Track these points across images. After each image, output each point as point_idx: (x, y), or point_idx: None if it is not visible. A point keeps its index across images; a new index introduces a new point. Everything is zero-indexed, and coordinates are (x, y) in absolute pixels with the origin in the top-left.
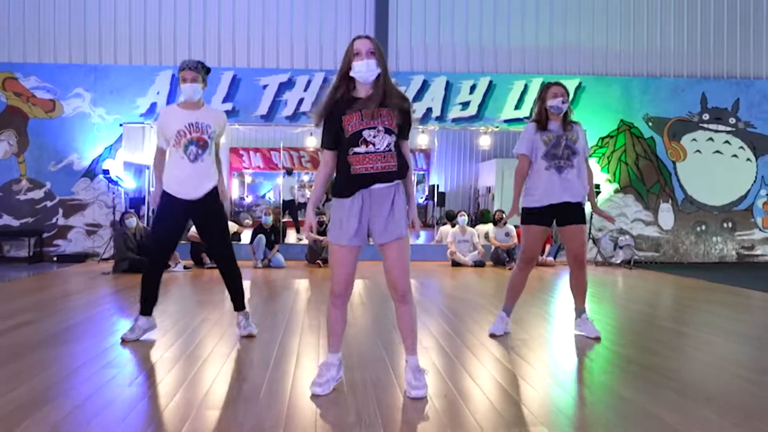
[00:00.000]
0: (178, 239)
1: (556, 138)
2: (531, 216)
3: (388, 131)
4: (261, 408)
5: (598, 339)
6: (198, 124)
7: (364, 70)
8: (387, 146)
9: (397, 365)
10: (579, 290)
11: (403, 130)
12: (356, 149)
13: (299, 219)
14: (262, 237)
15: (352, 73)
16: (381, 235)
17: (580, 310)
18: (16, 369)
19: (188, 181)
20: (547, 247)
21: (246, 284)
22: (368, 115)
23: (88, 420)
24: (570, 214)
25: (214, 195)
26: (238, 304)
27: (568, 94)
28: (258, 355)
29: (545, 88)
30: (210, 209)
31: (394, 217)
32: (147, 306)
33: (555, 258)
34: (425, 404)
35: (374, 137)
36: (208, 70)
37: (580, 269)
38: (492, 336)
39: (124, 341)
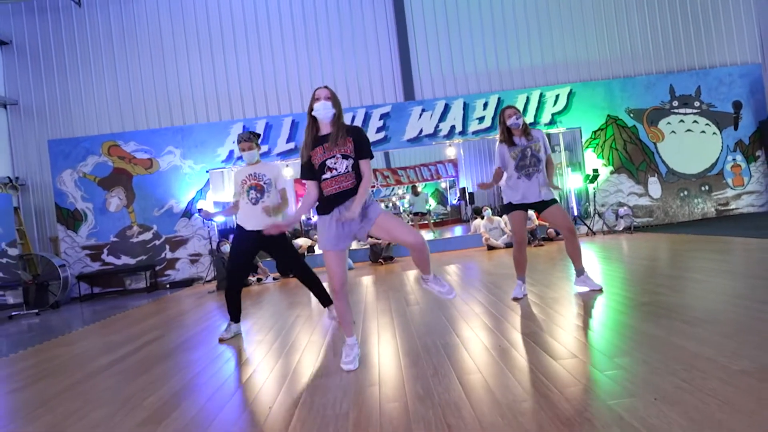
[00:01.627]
0: (250, 261)
1: (521, 151)
2: (512, 207)
3: (344, 156)
4: (357, 373)
5: (600, 290)
6: (255, 174)
7: (321, 110)
8: (346, 168)
9: (460, 330)
10: (576, 254)
11: (360, 152)
12: (324, 176)
13: None
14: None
15: (314, 113)
16: (363, 226)
17: (580, 270)
18: (153, 377)
19: (253, 219)
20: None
21: (325, 285)
22: (328, 147)
23: (219, 409)
24: (545, 203)
25: (279, 235)
26: (324, 301)
27: (519, 112)
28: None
29: (501, 112)
30: (273, 239)
31: (367, 215)
32: (235, 315)
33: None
34: (485, 351)
35: (335, 164)
36: (258, 136)
37: (573, 236)
38: (515, 299)
39: (221, 340)
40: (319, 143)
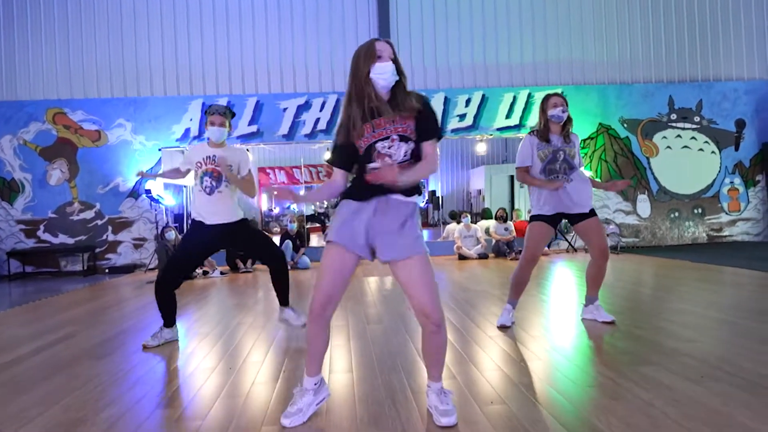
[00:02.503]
0: (202, 259)
1: (553, 153)
2: (540, 217)
3: (403, 138)
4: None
5: (613, 322)
6: (215, 157)
7: (389, 73)
8: (404, 155)
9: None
10: (597, 280)
11: (424, 132)
12: (371, 166)
13: (326, 224)
14: (289, 242)
15: (373, 75)
16: (387, 251)
17: (592, 298)
18: (83, 368)
19: (209, 211)
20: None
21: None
22: (379, 124)
23: (152, 409)
24: (581, 214)
25: (243, 224)
26: (285, 300)
27: (567, 103)
28: (296, 345)
29: (545, 99)
30: (237, 232)
31: (404, 234)
32: (168, 317)
33: (549, 248)
34: (450, 380)
35: (389, 148)
36: (233, 114)
37: (604, 260)
38: (502, 327)
39: (145, 347)
40: (366, 119)
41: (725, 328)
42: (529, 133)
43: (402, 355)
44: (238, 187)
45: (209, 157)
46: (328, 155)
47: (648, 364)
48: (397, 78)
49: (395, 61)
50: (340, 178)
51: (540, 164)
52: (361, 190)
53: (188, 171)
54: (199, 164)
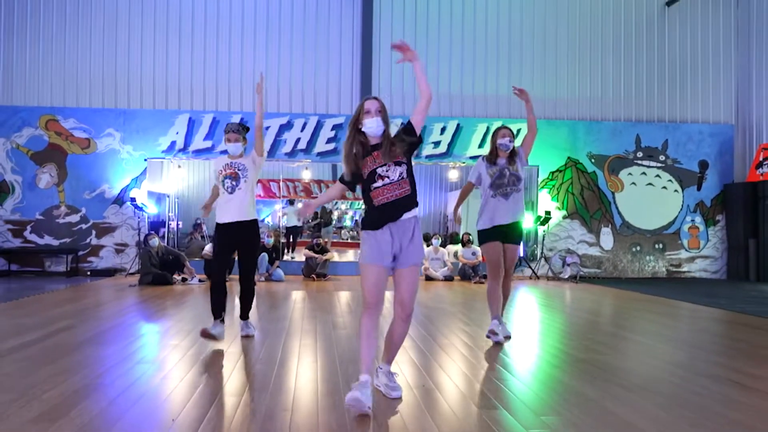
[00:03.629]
0: (230, 257)
1: (500, 171)
2: (485, 235)
3: (397, 163)
4: (272, 396)
5: (508, 338)
6: (232, 164)
7: (374, 127)
8: (399, 175)
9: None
10: (505, 296)
11: (411, 153)
12: (374, 185)
13: (298, 240)
14: (264, 255)
15: (363, 129)
16: (404, 260)
17: (499, 315)
18: (58, 368)
19: (229, 209)
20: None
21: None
22: (379, 157)
23: (121, 413)
24: (513, 232)
25: (254, 227)
26: (245, 314)
27: (513, 136)
28: (266, 354)
29: (497, 130)
30: (250, 239)
31: (415, 246)
32: (218, 312)
33: (513, 273)
34: (408, 390)
35: (387, 171)
36: (247, 129)
37: (509, 279)
38: (496, 341)
39: (206, 335)
40: (368, 153)
41: (641, 349)
42: (481, 158)
43: (358, 354)
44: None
45: (227, 165)
46: (307, 173)
47: (554, 368)
48: (384, 128)
49: (383, 112)
50: (340, 188)
51: (489, 180)
52: (374, 220)
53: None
54: (220, 171)
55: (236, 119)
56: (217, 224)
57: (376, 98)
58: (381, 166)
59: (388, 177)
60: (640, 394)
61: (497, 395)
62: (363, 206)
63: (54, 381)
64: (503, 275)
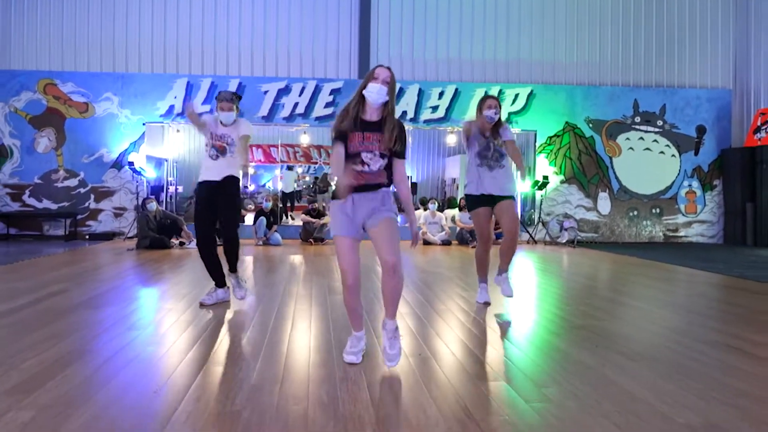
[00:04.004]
0: (215, 216)
1: (486, 142)
2: (472, 201)
3: (382, 155)
4: (262, 365)
5: (510, 296)
6: (222, 136)
7: (375, 93)
8: (379, 167)
9: (376, 328)
10: (509, 255)
11: (396, 152)
12: (354, 167)
13: (296, 204)
14: (263, 219)
15: (365, 92)
16: (375, 220)
17: (503, 270)
18: (47, 333)
19: (211, 171)
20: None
21: (249, 258)
22: (370, 139)
23: (105, 382)
24: (501, 198)
25: (231, 180)
26: (233, 266)
27: (499, 107)
28: (259, 319)
29: (482, 99)
30: (227, 191)
31: (382, 206)
32: (219, 279)
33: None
34: (404, 359)
35: (370, 160)
36: (239, 98)
37: (513, 241)
38: (484, 304)
39: (201, 305)
40: (359, 129)
41: (638, 315)
42: (474, 122)
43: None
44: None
45: (218, 135)
46: (306, 138)
47: (552, 335)
48: (386, 99)
49: (391, 84)
50: (342, 148)
51: (477, 148)
52: (342, 192)
53: (202, 130)
54: (210, 138)
55: (234, 84)
56: (198, 183)
57: (388, 68)
58: (367, 152)
59: (369, 166)
60: (639, 362)
61: (495, 365)
62: None
63: (40, 347)
64: (509, 236)
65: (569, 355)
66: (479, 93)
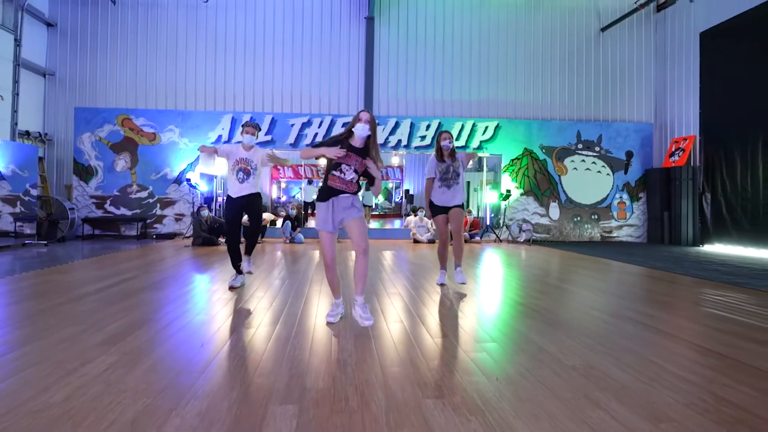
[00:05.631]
0: (239, 222)
1: (446, 167)
2: (435, 210)
3: (355, 171)
4: (283, 326)
5: (464, 283)
6: (246, 159)
7: (361, 129)
8: (351, 179)
9: (373, 310)
10: (459, 252)
11: (366, 174)
12: (334, 172)
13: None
14: (288, 223)
15: (354, 129)
16: (348, 217)
17: (457, 264)
18: (121, 307)
19: (238, 189)
20: (476, 231)
21: (278, 254)
22: (350, 157)
23: (165, 339)
24: (453, 207)
25: (256, 197)
26: (249, 250)
27: (451, 138)
28: (292, 298)
29: (439, 134)
30: (253, 205)
31: (354, 208)
32: (238, 268)
33: (481, 238)
34: (395, 336)
35: (346, 170)
36: (259, 128)
37: (459, 238)
38: (441, 285)
39: (231, 288)
40: (348, 150)
41: (570, 296)
42: (432, 156)
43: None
44: (274, 162)
45: (242, 159)
46: (322, 159)
47: (502, 310)
48: (368, 133)
49: (372, 123)
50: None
51: (438, 174)
52: (326, 194)
53: (220, 156)
54: (236, 162)
55: (268, 119)
56: (228, 196)
57: (368, 112)
58: (346, 164)
59: (344, 174)
60: (557, 327)
61: (449, 328)
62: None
63: (118, 316)
64: (455, 236)
65: (507, 323)
66: (457, 125)
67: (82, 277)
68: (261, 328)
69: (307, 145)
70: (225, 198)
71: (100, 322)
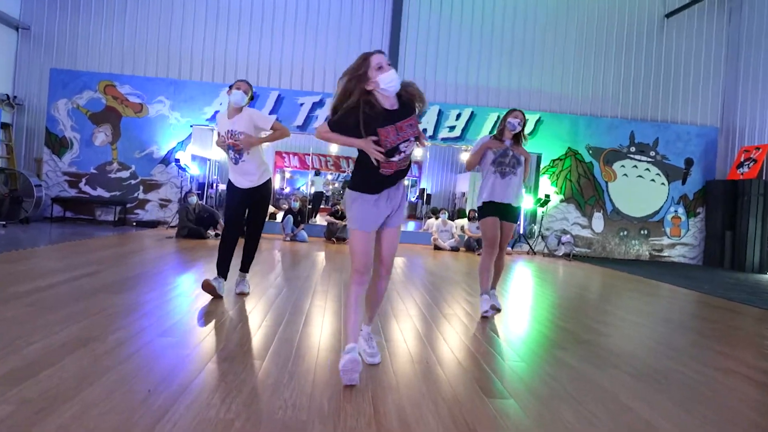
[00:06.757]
0: (243, 213)
1: (504, 150)
2: (483, 210)
3: (416, 138)
4: (259, 366)
5: (498, 310)
6: (232, 132)
7: (395, 80)
8: (411, 150)
9: (391, 333)
10: (498, 271)
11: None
12: (393, 158)
13: (321, 206)
14: (290, 217)
15: (382, 86)
16: (393, 221)
17: (492, 286)
18: (70, 312)
19: (236, 174)
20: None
21: (275, 253)
22: (403, 130)
23: (112, 366)
24: (509, 213)
25: (264, 190)
26: (245, 267)
27: (525, 121)
28: (289, 314)
29: (510, 111)
30: (259, 202)
31: (402, 208)
32: (226, 269)
33: (512, 248)
34: (410, 365)
35: (407, 147)
36: (252, 97)
37: (502, 255)
38: (485, 316)
39: (242, 294)
40: (390, 121)
41: (636, 329)
42: (489, 135)
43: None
44: (274, 140)
45: (230, 132)
46: (335, 147)
47: (560, 349)
48: (398, 87)
49: (391, 64)
50: (338, 136)
51: (492, 156)
52: (375, 185)
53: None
54: (223, 139)
55: (274, 95)
56: (230, 182)
57: (381, 51)
58: (404, 142)
59: (405, 153)
60: (618, 364)
61: (507, 378)
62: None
63: (51, 329)
64: (497, 251)
65: (570, 365)
66: (492, 117)
67: (34, 267)
68: (242, 360)
69: (327, 120)
70: (226, 183)
71: (21, 339)
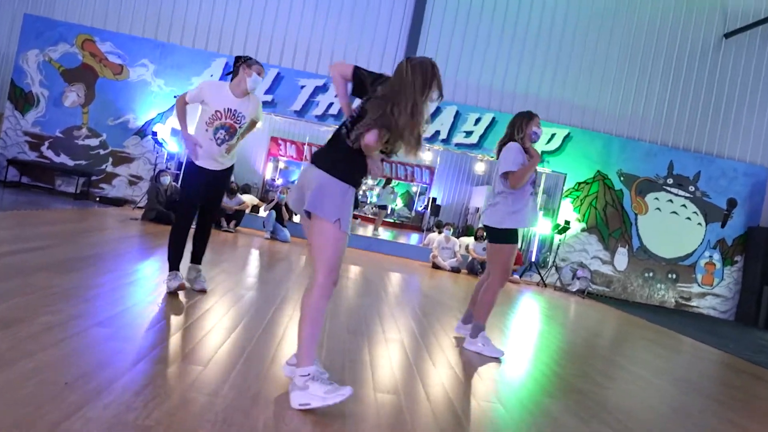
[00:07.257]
0: (199, 201)
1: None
2: (511, 235)
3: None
4: (208, 371)
5: (498, 359)
6: (235, 112)
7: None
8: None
9: (361, 362)
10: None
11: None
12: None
13: None
14: (272, 213)
15: (435, 102)
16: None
17: (482, 326)
18: (5, 289)
19: (216, 159)
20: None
21: (254, 252)
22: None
23: (31, 353)
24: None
25: (227, 175)
26: (198, 258)
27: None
28: (234, 315)
29: (530, 116)
30: (223, 182)
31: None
32: (178, 261)
33: (521, 277)
34: (369, 397)
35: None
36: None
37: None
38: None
39: (195, 289)
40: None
41: (640, 384)
42: (517, 145)
43: (344, 340)
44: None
45: (230, 110)
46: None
47: (548, 396)
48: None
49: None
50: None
51: (533, 174)
52: (359, 177)
53: (191, 102)
54: (218, 114)
55: (273, 72)
56: (191, 163)
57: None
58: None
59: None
60: (604, 419)
61: (476, 427)
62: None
63: (36, 287)
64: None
65: (559, 422)
66: None
67: None
68: (180, 363)
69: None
70: (186, 162)
71: (4, 295)
